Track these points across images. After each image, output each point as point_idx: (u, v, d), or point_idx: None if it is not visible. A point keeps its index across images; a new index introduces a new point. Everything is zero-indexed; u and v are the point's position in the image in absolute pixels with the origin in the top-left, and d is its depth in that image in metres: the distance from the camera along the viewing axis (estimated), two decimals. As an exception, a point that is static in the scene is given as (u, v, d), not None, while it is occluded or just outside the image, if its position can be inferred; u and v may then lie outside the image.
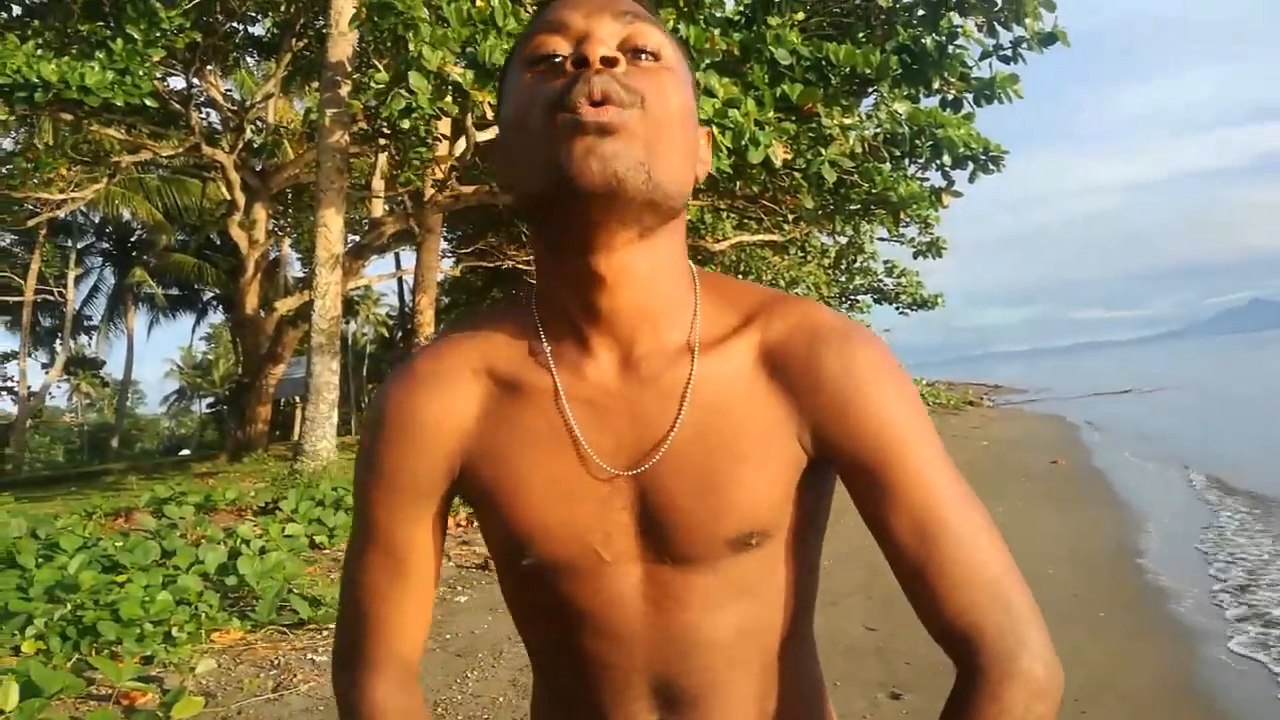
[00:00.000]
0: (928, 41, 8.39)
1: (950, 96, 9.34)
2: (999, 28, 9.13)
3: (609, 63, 0.76)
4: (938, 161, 9.64)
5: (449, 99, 8.98)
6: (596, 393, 0.84)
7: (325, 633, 4.73)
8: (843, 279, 22.99)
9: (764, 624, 0.87)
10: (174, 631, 4.44)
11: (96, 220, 28.87)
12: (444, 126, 11.82)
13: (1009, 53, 8.80)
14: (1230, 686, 4.50)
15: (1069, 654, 4.78)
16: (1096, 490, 10.67)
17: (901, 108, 8.68)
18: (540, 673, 0.95)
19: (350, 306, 31.55)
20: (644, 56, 0.79)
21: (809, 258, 20.76)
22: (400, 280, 26.38)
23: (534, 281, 0.89)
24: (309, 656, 4.38)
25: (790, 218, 12.53)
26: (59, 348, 29.33)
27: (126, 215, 26.58)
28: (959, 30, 8.44)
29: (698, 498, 0.82)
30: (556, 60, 0.78)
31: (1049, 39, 8.68)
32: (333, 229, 9.88)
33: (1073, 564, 6.92)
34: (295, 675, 4.13)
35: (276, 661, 4.31)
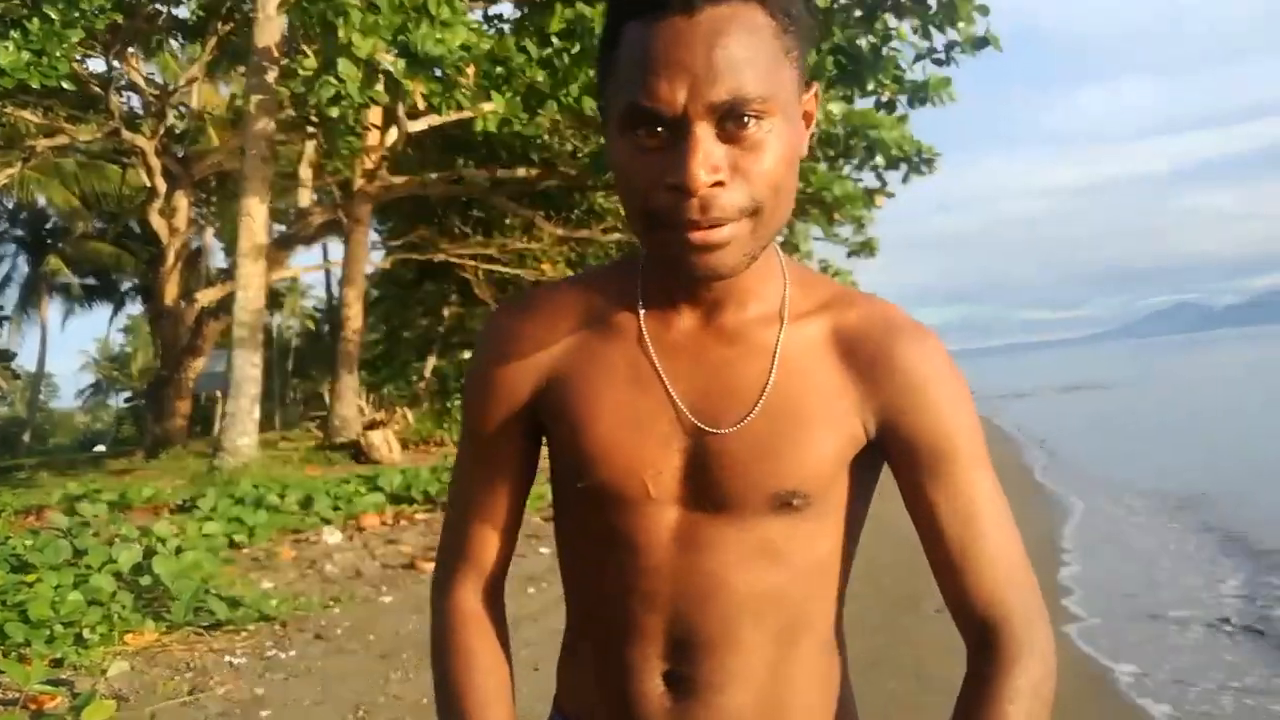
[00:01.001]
0: (863, 43, 8.46)
1: (885, 99, 9.46)
2: (934, 30, 9.27)
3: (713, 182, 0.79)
4: (871, 163, 9.76)
5: (380, 87, 8.81)
6: (682, 341, 0.92)
7: (244, 634, 4.59)
8: (775, 278, 23.16)
9: (788, 591, 0.91)
10: (85, 633, 4.26)
11: (10, 206, 27.74)
12: (375, 116, 11.60)
13: (942, 56, 8.93)
14: (1130, 669, 4.63)
15: (948, 649, 4.87)
16: (1018, 488, 10.91)
17: (836, 108, 8.75)
18: (571, 602, 1.01)
19: (275, 299, 30.83)
20: (748, 120, 0.79)
21: (743, 256, 20.85)
22: (328, 272, 25.87)
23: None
24: (226, 659, 4.24)
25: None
26: (-33, 338, 28.13)
27: (42, 201, 25.57)
28: (894, 33, 8.54)
29: (757, 451, 0.88)
30: (657, 133, 0.80)
31: (981, 43, 8.83)
32: (257, 218, 9.61)
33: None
34: (212, 678, 3.99)
35: (192, 664, 4.17)
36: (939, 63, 8.92)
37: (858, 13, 9.12)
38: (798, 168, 0.87)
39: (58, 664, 4.03)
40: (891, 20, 9.02)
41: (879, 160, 9.22)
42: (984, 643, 0.89)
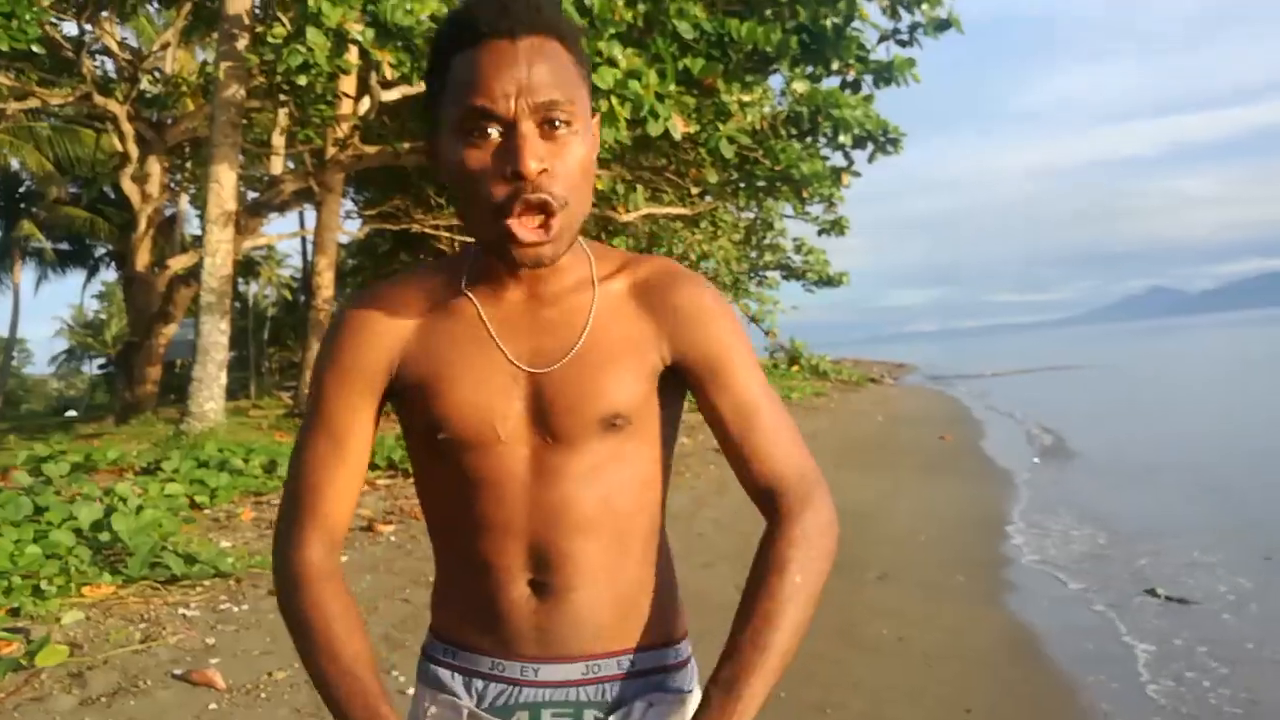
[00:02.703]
0: (826, 23, 8.57)
1: (850, 78, 9.58)
2: (901, 10, 9.39)
3: (540, 170, 0.97)
4: (837, 142, 9.88)
5: (349, 56, 8.85)
6: (510, 312, 1.10)
7: (199, 589, 4.72)
8: (753, 255, 23.30)
9: (622, 499, 1.10)
10: (43, 585, 4.38)
11: (-19, 169, 27.44)
12: (348, 85, 11.61)
13: (905, 37, 9.05)
14: (1066, 645, 4.84)
15: (926, 618, 5.04)
16: (976, 464, 11.16)
17: (801, 87, 8.87)
18: (440, 541, 1.17)
19: (250, 267, 30.68)
20: (559, 124, 0.99)
21: (720, 233, 21.00)
22: (304, 241, 25.79)
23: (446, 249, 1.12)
24: (180, 611, 4.38)
25: (695, 191, 12.67)
26: (-62, 302, 27.87)
27: (15, 165, 25.35)
28: (855, 14, 8.65)
29: (582, 387, 1.07)
30: (489, 134, 0.98)
31: (943, 25, 8.97)
32: (225, 185, 9.65)
33: (942, 533, 7.27)
34: (164, 628, 4.12)
35: (147, 615, 4.30)
36: (902, 44, 9.06)
37: (827, -10, 9.23)
38: (593, 176, 1.07)
39: (14, 614, 4.16)
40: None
41: (844, 139, 9.35)
42: (770, 509, 1.09)
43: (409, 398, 1.10)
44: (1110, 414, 17.13)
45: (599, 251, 1.17)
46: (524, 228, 0.98)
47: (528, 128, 0.97)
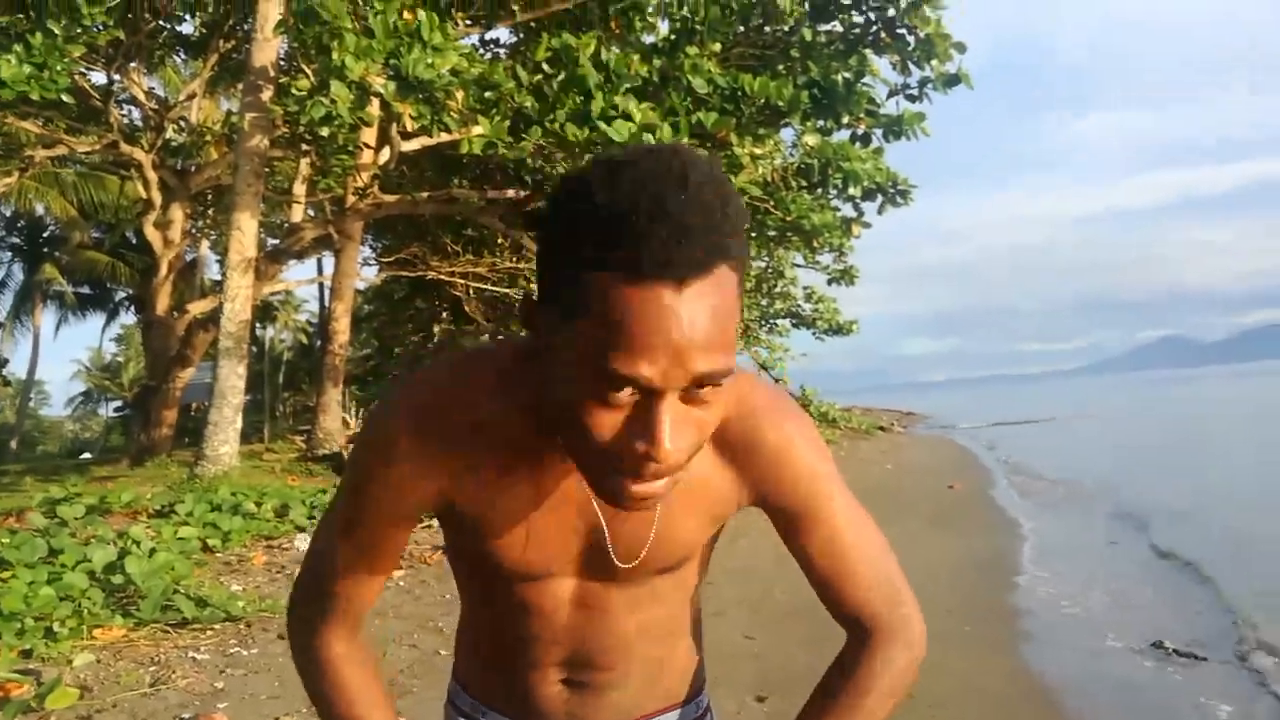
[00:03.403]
0: (837, 78, 8.74)
1: (860, 131, 9.73)
2: (911, 66, 9.56)
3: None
4: (847, 193, 10.01)
5: (371, 109, 9.05)
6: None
7: (209, 632, 4.76)
8: (764, 303, 23.42)
9: (665, 621, 1.11)
10: (55, 627, 4.43)
11: (7, 214, 27.96)
12: (369, 135, 11.84)
13: (915, 92, 9.22)
14: (1076, 695, 4.81)
15: (932, 666, 5.04)
16: (984, 513, 11.10)
17: (812, 140, 9.02)
18: (470, 607, 1.15)
19: (268, 311, 30.99)
20: (711, 388, 0.83)
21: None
22: (321, 287, 26.07)
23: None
24: (190, 654, 4.41)
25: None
26: (-40, 344, 28.26)
27: (40, 210, 25.82)
28: (866, 69, 8.83)
29: (650, 540, 1.01)
30: (623, 393, 0.81)
31: (953, 80, 9.12)
32: (246, 232, 9.83)
33: (950, 582, 7.24)
34: (174, 672, 4.16)
35: (157, 658, 4.34)
36: (912, 98, 9.22)
37: (840, 46, 9.41)
38: None
39: (27, 655, 4.21)
40: (871, 56, 9.31)
41: (854, 191, 9.48)
42: (858, 636, 1.08)
43: (461, 527, 1.03)
44: (1123, 462, 17.02)
45: None
46: (642, 492, 0.85)
47: (672, 399, 0.81)
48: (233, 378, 9.76)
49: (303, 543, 6.96)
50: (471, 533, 1.01)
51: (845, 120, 9.20)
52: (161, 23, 14.36)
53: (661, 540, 1.02)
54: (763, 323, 24.17)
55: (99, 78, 14.40)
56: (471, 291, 17.33)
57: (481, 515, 0.99)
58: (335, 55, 8.58)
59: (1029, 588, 7.19)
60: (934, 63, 8.97)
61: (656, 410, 0.80)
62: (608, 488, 0.87)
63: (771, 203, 10.53)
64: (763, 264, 19.43)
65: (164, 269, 15.60)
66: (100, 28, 10.11)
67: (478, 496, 0.98)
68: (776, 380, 25.27)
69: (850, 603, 1.07)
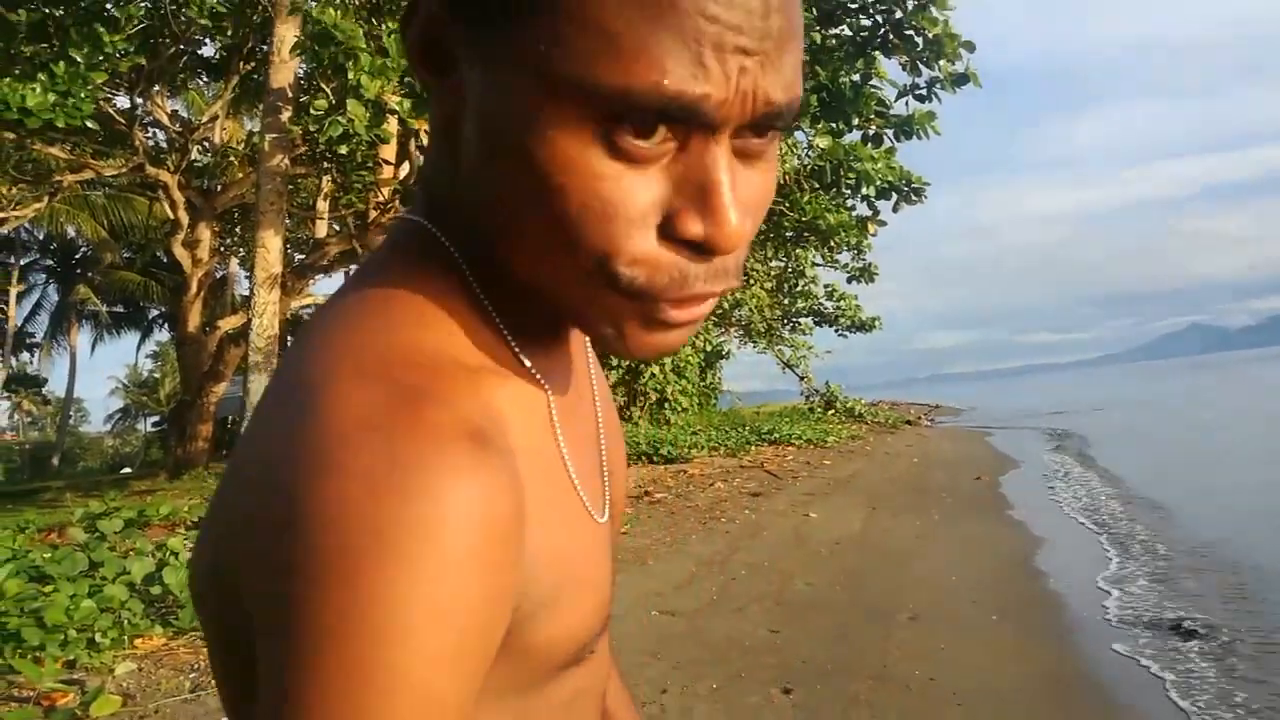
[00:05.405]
0: (845, 81, 8.84)
1: (871, 132, 9.81)
2: (921, 66, 9.62)
3: None
4: (861, 193, 10.09)
5: (388, 126, 9.24)
6: (566, 409, 0.62)
7: (245, 639, 4.93)
8: (785, 302, 23.50)
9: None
10: (97, 637, 4.62)
11: (40, 237, 28.58)
12: (388, 152, 12.07)
13: (924, 92, 9.29)
14: (1099, 684, 4.88)
15: (957, 656, 5.12)
16: (1011, 505, 11.12)
17: (823, 142, 9.12)
18: None
19: (296, 325, 31.40)
20: (768, 136, 0.52)
21: (752, 281, 21.23)
22: (349, 299, 26.39)
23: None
24: (227, 660, 4.59)
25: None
26: (-1, 365, 28.89)
27: (71, 232, 26.38)
28: (874, 72, 8.92)
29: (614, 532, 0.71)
30: (649, 140, 0.48)
31: (962, 79, 9.18)
32: (271, 250, 10.06)
33: (975, 573, 7.30)
34: (213, 678, 4.33)
35: (196, 665, 4.51)
36: (920, 98, 9.29)
37: (849, 49, 9.49)
38: None
39: (70, 665, 4.40)
40: (880, 57, 9.39)
41: (867, 191, 9.57)
42: None
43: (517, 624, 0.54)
44: (1152, 452, 16.92)
45: None
46: (683, 317, 0.52)
47: (724, 152, 0.49)
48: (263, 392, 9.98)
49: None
50: (532, 613, 0.53)
51: (856, 122, 9.29)
52: (182, 47, 14.67)
53: (618, 482, 0.71)
54: (785, 322, 24.25)
55: (123, 102, 14.74)
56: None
57: (546, 586, 0.54)
58: (351, 75, 8.78)
59: (1057, 578, 7.24)
60: (942, 63, 9.04)
61: (711, 161, 0.48)
62: (621, 324, 0.52)
63: (787, 204, 10.64)
64: (782, 264, 19.53)
65: (194, 287, 15.92)
66: (122, 54, 10.36)
67: (539, 560, 0.53)
68: (801, 378, 25.33)
69: None
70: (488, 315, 0.57)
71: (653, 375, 18.02)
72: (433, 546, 0.42)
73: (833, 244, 11.81)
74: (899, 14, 8.73)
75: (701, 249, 0.49)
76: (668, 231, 0.49)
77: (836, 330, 24.46)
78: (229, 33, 14.08)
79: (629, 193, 0.48)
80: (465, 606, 0.44)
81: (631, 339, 0.53)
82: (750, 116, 0.48)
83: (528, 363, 0.58)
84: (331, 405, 0.46)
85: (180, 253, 15.65)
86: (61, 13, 10.07)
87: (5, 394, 33.31)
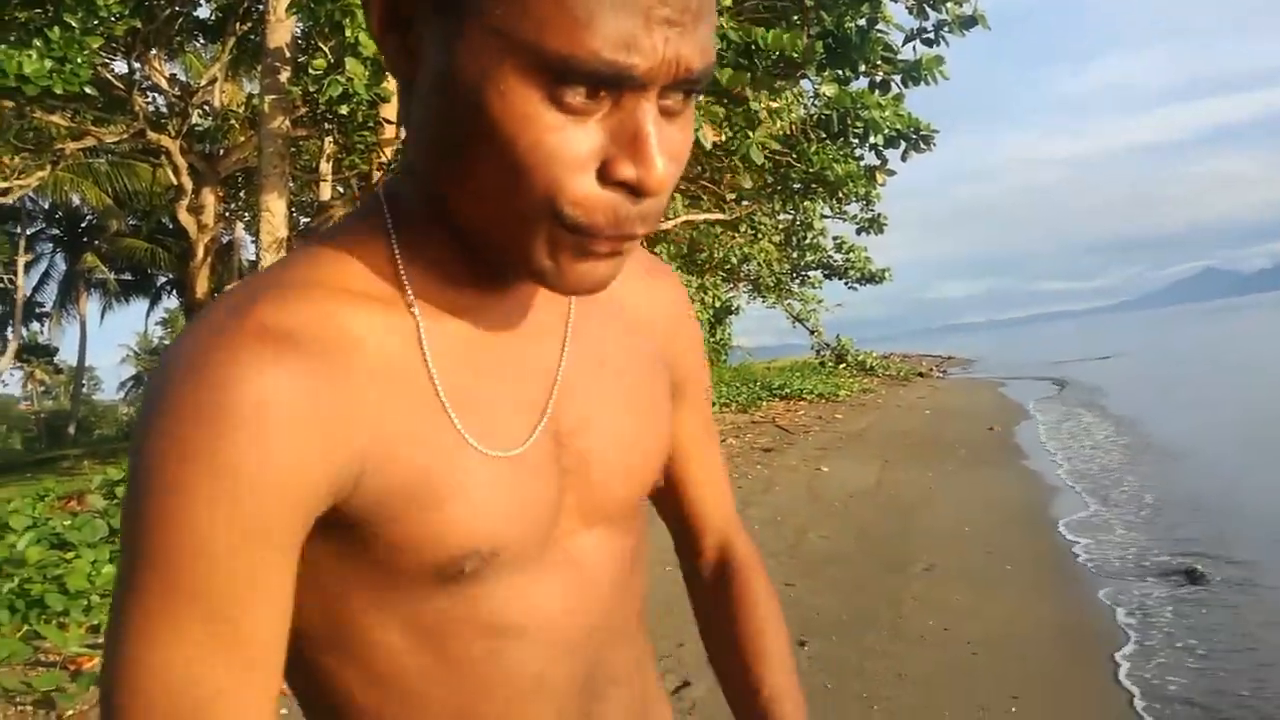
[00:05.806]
0: (850, 26, 8.68)
1: (878, 79, 9.64)
2: (929, 9, 9.43)
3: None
4: (869, 142, 9.95)
5: (388, 84, 9.12)
6: (476, 340, 0.68)
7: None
8: (794, 255, 23.35)
9: (641, 601, 0.82)
10: (119, 603, 4.66)
11: (46, 206, 28.51)
12: (389, 111, 11.95)
13: (931, 36, 9.13)
14: (1109, 627, 4.90)
15: (973, 606, 5.14)
16: (1025, 455, 11.12)
17: (829, 90, 8.98)
18: None
19: (306, 289, 31.43)
20: (688, 96, 0.60)
21: (760, 235, 21.08)
22: (355, 262, 26.34)
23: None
24: (247, 623, 4.63)
25: (730, 197, 12.81)
26: (10, 335, 28.98)
27: (76, 201, 26.30)
28: (879, 16, 8.76)
29: (618, 446, 0.74)
30: (579, 97, 0.56)
31: (969, 22, 9.01)
32: (275, 213, 10.01)
33: (988, 523, 7.32)
34: (233, 640, 4.37)
35: (217, 628, 4.55)
36: (928, 42, 9.12)
37: (854, -7, 9.30)
38: None
39: (94, 630, 4.44)
40: (885, 1, 9.20)
41: (876, 139, 9.43)
42: (729, 562, 0.95)
43: (375, 521, 0.61)
44: (1166, 400, 16.87)
45: None
46: (610, 254, 0.61)
47: (651, 108, 0.58)
48: (272, 357, 9.98)
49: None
50: (394, 517, 0.61)
51: (862, 68, 9.13)
52: (177, 9, 14.49)
53: (630, 441, 0.77)
54: (794, 275, 24.11)
55: (121, 67, 14.59)
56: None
57: (395, 483, 0.61)
58: (349, 32, 8.65)
59: (1070, 528, 7.24)
60: (949, 4, 8.87)
61: (642, 115, 0.57)
62: (558, 256, 0.61)
63: (793, 155, 10.50)
64: (790, 217, 19.39)
65: (200, 253, 15.87)
66: (117, 18, 10.24)
67: (381, 456, 0.61)
68: (812, 332, 25.23)
69: (722, 513, 0.95)
70: (390, 254, 0.66)
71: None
72: (209, 418, 0.54)
73: (841, 195, 11.67)
74: (905, -44, 8.57)
75: (634, 190, 0.58)
76: (604, 176, 0.58)
77: (846, 283, 24.32)
78: (224, -7, 13.91)
79: (571, 142, 0.57)
80: (237, 470, 0.54)
81: (567, 271, 0.61)
82: (674, 79, 0.57)
83: (410, 295, 0.65)
84: (199, 318, 0.59)
85: (185, 218, 15.58)
86: (54, -23, 9.94)
87: (17, 364, 33.49)
